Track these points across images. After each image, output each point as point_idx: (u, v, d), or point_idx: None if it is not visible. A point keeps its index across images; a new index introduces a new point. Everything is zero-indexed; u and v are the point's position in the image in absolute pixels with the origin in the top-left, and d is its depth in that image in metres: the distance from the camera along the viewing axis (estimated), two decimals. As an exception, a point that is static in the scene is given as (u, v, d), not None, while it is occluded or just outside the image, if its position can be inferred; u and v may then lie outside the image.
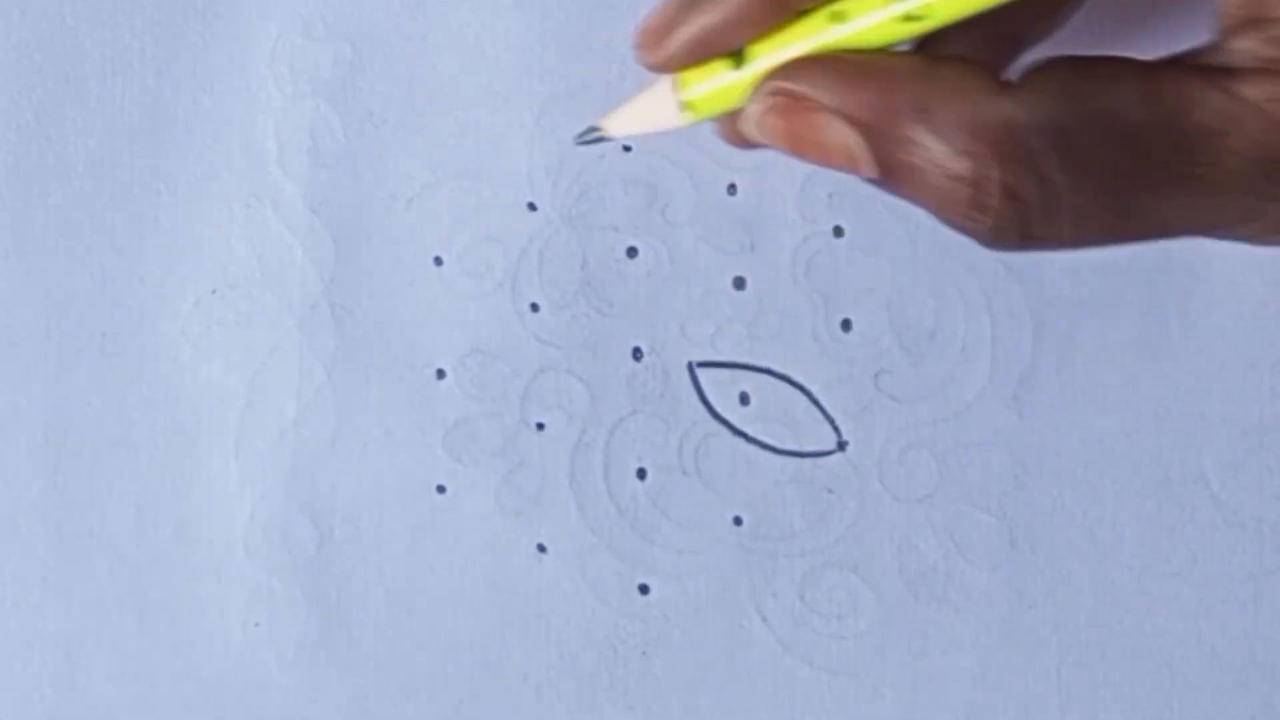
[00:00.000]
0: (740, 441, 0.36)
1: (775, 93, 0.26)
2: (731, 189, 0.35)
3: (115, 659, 0.36)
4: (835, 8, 0.26)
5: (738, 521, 0.36)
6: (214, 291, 0.36)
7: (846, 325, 0.35)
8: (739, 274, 0.35)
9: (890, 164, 0.26)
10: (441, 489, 0.36)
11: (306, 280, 0.36)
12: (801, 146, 0.26)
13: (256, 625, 0.36)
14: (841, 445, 0.36)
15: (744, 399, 0.35)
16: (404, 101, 0.35)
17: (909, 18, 0.26)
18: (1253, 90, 0.25)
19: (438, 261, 0.36)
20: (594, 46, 0.35)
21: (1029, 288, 0.35)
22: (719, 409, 0.35)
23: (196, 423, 0.36)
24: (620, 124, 0.28)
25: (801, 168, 0.35)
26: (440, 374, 0.36)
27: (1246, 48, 0.25)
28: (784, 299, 0.35)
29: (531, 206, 0.35)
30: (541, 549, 0.36)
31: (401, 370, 0.36)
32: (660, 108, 0.27)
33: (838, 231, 0.35)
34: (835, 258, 0.35)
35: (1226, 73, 0.25)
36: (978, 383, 0.35)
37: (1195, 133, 0.25)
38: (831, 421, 0.35)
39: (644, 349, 0.35)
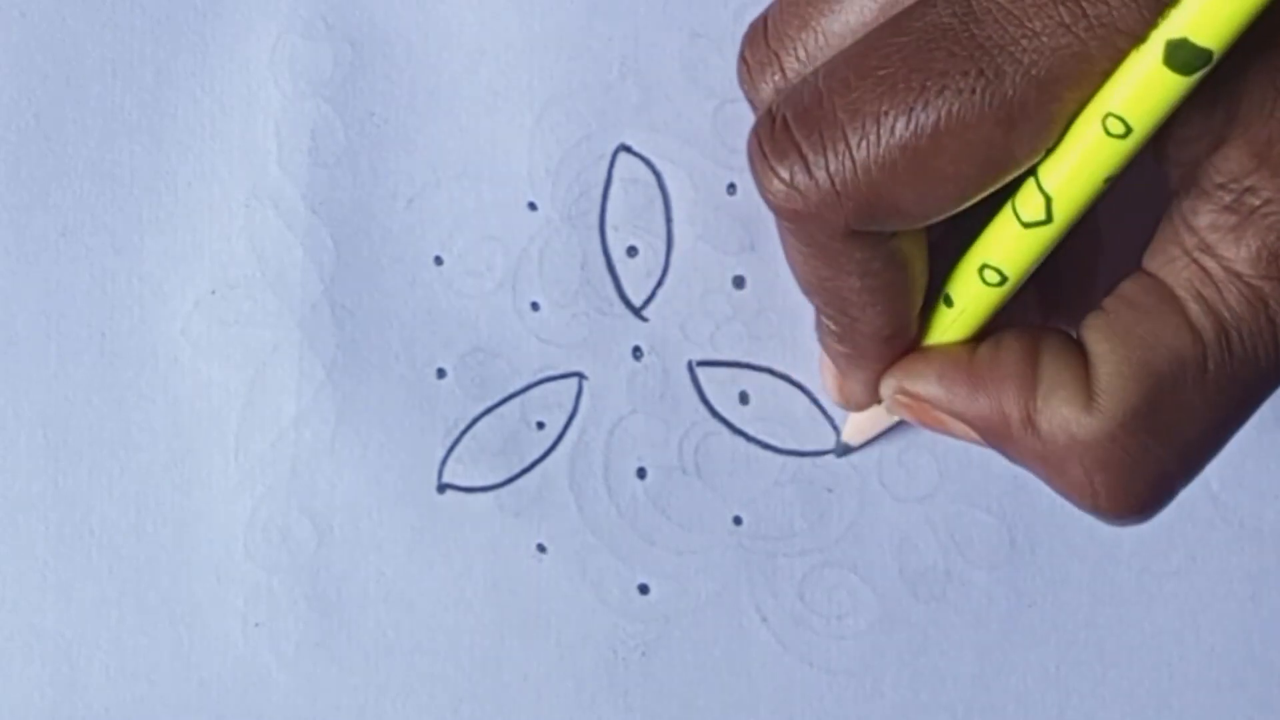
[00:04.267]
0: (740, 441, 0.36)
1: (899, 392, 0.30)
2: (731, 188, 0.35)
3: (115, 659, 0.36)
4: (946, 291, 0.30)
5: (737, 521, 0.36)
6: (214, 291, 0.36)
7: (846, 325, 0.35)
8: (739, 274, 0.35)
9: (1009, 452, 0.29)
10: (442, 489, 0.36)
11: (307, 280, 0.36)
12: (931, 428, 0.30)
13: (256, 625, 0.36)
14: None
15: (744, 398, 0.35)
16: (404, 101, 0.35)
17: (998, 280, 0.29)
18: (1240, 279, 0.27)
19: (438, 261, 0.36)
20: (594, 46, 0.35)
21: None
22: (719, 408, 0.35)
23: (196, 423, 0.36)
24: (854, 433, 0.35)
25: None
26: (441, 373, 0.36)
27: (1209, 222, 0.27)
28: (784, 299, 0.35)
29: (532, 206, 0.35)
30: (541, 549, 0.36)
31: (402, 370, 0.36)
32: (876, 416, 0.34)
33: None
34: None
35: (1208, 250, 0.27)
36: (977, 382, 0.35)
37: (1241, 350, 0.27)
38: (831, 421, 0.35)
39: (644, 348, 0.35)
